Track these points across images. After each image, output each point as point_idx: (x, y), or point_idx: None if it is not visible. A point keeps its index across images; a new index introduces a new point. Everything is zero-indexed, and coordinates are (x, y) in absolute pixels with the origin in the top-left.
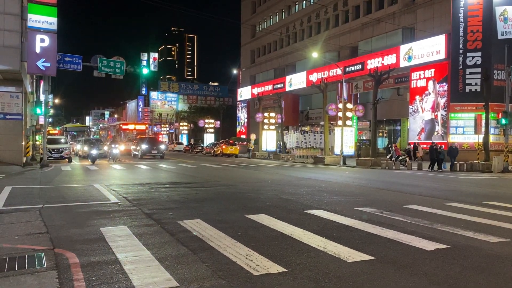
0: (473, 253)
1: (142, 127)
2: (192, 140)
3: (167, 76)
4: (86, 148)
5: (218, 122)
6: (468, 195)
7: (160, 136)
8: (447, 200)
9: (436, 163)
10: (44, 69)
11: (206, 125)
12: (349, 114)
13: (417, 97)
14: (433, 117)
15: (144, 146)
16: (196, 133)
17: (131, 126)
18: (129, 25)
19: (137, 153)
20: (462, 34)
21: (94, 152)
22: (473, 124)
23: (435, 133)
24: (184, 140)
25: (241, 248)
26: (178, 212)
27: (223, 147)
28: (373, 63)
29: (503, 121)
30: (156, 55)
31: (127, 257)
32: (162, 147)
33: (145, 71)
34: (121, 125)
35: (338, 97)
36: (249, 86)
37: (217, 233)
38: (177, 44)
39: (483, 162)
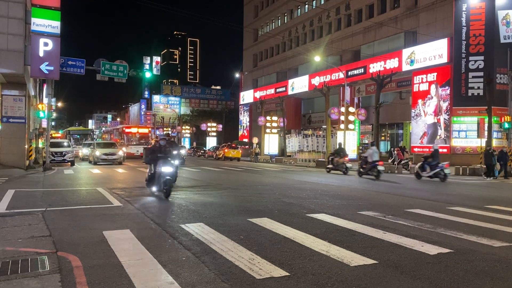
0: (476, 257)
1: (145, 130)
2: (195, 144)
3: (169, 80)
4: (98, 153)
5: (221, 126)
6: (471, 199)
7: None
8: (450, 204)
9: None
10: (47, 72)
11: (209, 129)
12: (351, 117)
13: (420, 101)
14: (436, 121)
15: None
16: (199, 137)
17: (134, 130)
18: (132, 29)
19: None
20: (464, 38)
21: (166, 170)
22: (475, 128)
23: (438, 137)
24: (186, 143)
25: (243, 251)
26: (181, 215)
27: (226, 150)
28: (375, 67)
29: (506, 125)
30: (158, 58)
31: (129, 260)
32: (183, 152)
33: (147, 74)
34: (123, 128)
35: (340, 100)
36: (251, 89)
37: (220, 236)
38: (180, 48)
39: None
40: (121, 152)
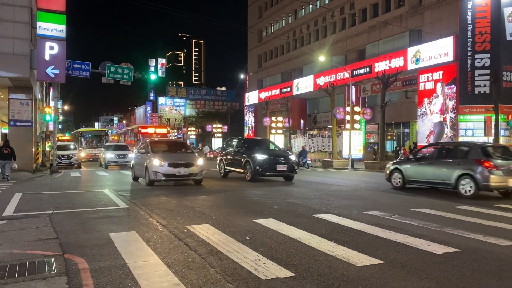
0: (484, 257)
1: (163, 130)
2: (200, 145)
3: (174, 82)
4: (157, 163)
5: (226, 127)
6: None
7: None
8: (457, 203)
9: None
10: (53, 76)
11: (214, 130)
12: (357, 117)
13: (426, 100)
14: (442, 119)
15: (260, 158)
16: (204, 138)
17: (151, 130)
18: (137, 31)
19: (241, 170)
20: (470, 35)
21: None
22: (482, 126)
23: (444, 135)
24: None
25: (249, 252)
26: (187, 217)
27: None
28: (380, 66)
29: None
30: (163, 61)
31: (136, 262)
32: (293, 157)
33: (153, 77)
34: (139, 129)
35: (346, 100)
36: (256, 90)
37: (226, 237)
38: (185, 50)
39: None
40: (200, 161)
